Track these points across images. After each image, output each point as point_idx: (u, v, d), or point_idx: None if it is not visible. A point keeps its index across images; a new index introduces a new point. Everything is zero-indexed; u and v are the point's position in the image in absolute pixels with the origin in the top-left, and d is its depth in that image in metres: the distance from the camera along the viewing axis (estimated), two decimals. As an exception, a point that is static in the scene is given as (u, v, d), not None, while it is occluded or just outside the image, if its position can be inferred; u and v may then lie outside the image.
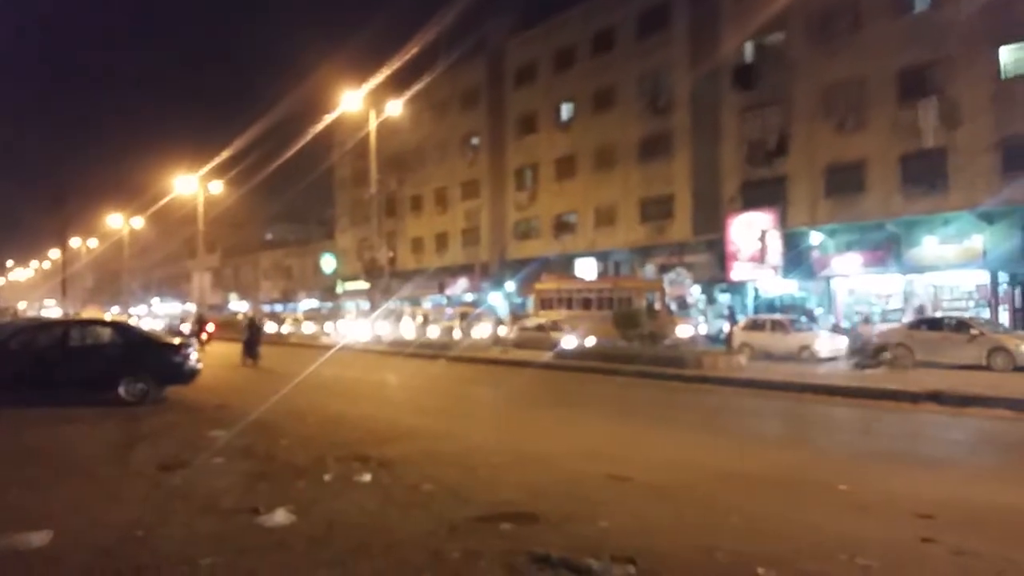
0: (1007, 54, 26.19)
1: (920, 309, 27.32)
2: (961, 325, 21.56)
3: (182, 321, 47.26)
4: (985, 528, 6.42)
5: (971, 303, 27.58)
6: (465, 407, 14.83)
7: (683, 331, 27.55)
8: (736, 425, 12.86)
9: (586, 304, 31.39)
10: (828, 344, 23.84)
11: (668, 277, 29.94)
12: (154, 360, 14.76)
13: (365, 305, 44.15)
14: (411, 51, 33.18)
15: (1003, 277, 26.79)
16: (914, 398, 14.86)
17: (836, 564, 5.33)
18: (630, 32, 39.29)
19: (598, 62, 40.74)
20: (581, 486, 7.59)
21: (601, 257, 40.39)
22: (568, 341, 26.14)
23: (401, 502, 6.92)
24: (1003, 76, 26.20)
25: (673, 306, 28.89)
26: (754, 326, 25.83)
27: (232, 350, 26.60)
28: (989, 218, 26.38)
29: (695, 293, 30.27)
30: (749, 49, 33.50)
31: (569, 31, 42.63)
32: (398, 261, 52.05)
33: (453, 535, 5.86)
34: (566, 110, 43.28)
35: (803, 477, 8.44)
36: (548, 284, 35.07)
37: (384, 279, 40.43)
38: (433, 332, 34.64)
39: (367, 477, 7.84)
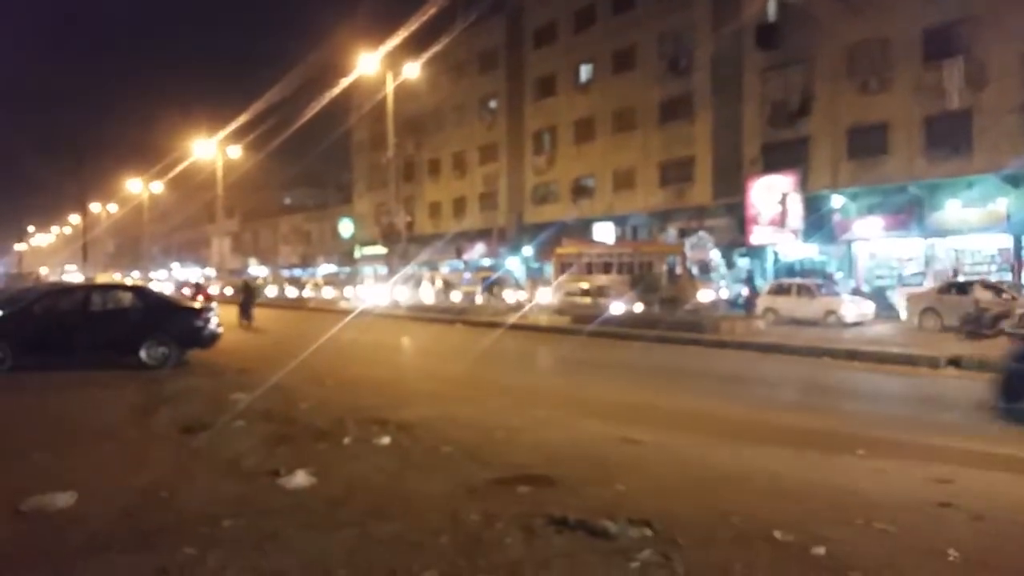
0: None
1: (954, 272, 26.86)
2: (992, 289, 21.27)
3: (183, 287, 47.90)
4: (1004, 494, 6.40)
5: (993, 267, 27.24)
6: (483, 371, 14.88)
7: (704, 295, 27.38)
8: (752, 389, 12.83)
9: (607, 268, 31.23)
10: (854, 309, 23.67)
11: (690, 241, 29.69)
12: (175, 324, 14.90)
13: (383, 270, 44.28)
14: (429, 11, 32.74)
15: (1029, 241, 26.39)
16: (934, 363, 14.77)
17: (854, 528, 5.33)
18: (651, -10, 38.62)
19: (618, 22, 40.12)
20: (597, 449, 7.63)
21: (619, 221, 40.14)
22: (616, 307, 25.44)
23: (419, 464, 6.98)
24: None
25: (695, 270, 28.72)
26: (779, 290, 25.64)
27: (231, 313, 26.81)
28: (1014, 181, 25.91)
29: (716, 257, 30.09)
30: (772, 7, 32.82)
31: (588, -10, 41.94)
32: (416, 226, 51.96)
33: (471, 497, 5.91)
34: (585, 71, 42.75)
35: (820, 441, 8.42)
36: (569, 248, 34.90)
37: (402, 244, 40.46)
38: (454, 297, 34.63)
39: (386, 440, 7.90)
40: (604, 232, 40.33)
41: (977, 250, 27.86)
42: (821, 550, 4.84)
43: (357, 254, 59.88)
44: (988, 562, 4.80)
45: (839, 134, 30.54)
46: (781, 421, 9.64)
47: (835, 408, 11.12)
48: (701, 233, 30.69)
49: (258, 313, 27.51)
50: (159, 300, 16.52)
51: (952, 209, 27.48)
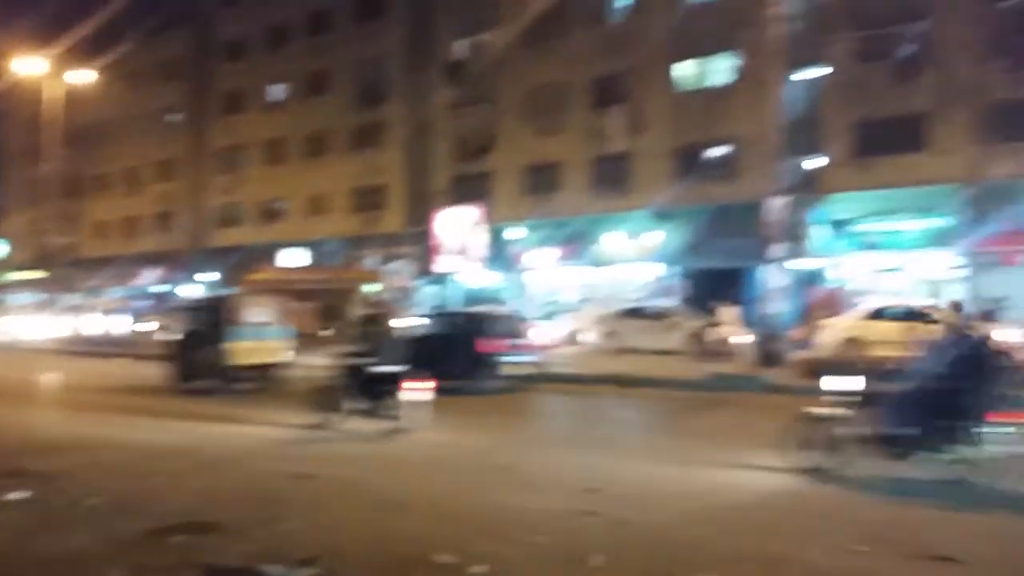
0: (680, 70, 29.46)
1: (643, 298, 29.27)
2: (661, 314, 23.68)
3: None
4: (641, 498, 7.14)
5: (648, 294, 30.56)
6: (144, 410, 13.21)
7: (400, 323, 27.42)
8: (418, 413, 12.65)
9: (301, 296, 30.25)
10: (547, 334, 25.28)
11: (389, 268, 29.84)
12: None
13: (39, 298, 39.19)
14: (106, 14, 29.83)
15: (675, 270, 29.96)
16: (597, 381, 16.22)
17: (511, 543, 5.64)
18: (347, 16, 38.72)
19: (313, 44, 39.66)
20: (264, 488, 7.35)
21: (312, 247, 39.43)
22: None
23: (59, 521, 6.20)
24: (678, 90, 29.41)
25: (392, 298, 28.78)
26: None
27: None
28: (665, 217, 29.41)
29: (414, 285, 30.52)
30: (463, 46, 34.47)
31: (284, 7, 40.95)
32: (81, 248, 46.97)
33: (117, 553, 5.36)
34: (277, 91, 41.65)
35: (480, 460, 8.85)
36: (260, 275, 33.30)
37: (62, 268, 36.21)
38: (138, 328, 31.35)
39: (21, 494, 6.92)
40: (295, 257, 39.40)
41: (635, 279, 31.12)
42: (482, 568, 5.03)
43: (5, 279, 52.33)
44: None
45: (519, 170, 32.77)
46: (437, 441, 9.90)
47: (493, 428, 11.38)
48: (401, 261, 31.03)
49: None
50: None
51: (612, 241, 30.58)
